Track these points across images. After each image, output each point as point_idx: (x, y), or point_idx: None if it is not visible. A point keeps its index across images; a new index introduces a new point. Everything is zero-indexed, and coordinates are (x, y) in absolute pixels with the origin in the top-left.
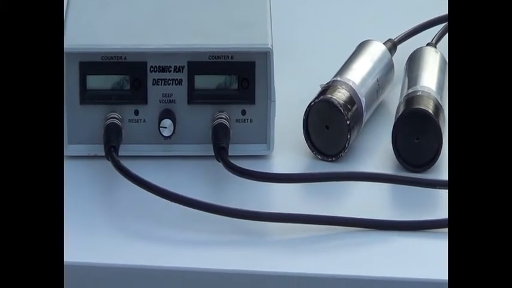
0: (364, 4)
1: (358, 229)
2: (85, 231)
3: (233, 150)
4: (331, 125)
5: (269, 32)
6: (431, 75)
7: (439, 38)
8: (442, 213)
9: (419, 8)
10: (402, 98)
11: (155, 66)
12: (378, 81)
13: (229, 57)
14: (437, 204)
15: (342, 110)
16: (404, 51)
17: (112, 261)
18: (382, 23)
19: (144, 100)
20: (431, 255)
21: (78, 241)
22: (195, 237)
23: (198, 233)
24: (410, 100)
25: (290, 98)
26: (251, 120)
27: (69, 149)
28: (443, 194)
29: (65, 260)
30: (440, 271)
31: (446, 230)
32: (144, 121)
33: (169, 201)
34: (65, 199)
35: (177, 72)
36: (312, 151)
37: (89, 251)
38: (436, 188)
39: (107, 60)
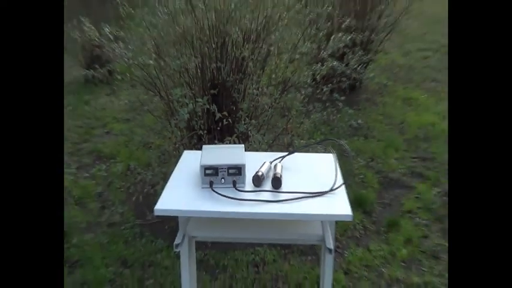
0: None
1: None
2: (202, 203)
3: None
4: (258, 181)
5: (244, 158)
6: (280, 168)
7: (282, 159)
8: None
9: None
10: (272, 174)
11: (223, 170)
12: (268, 171)
13: (236, 166)
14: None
15: (260, 176)
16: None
17: (213, 209)
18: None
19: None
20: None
21: (199, 206)
22: (224, 208)
23: (229, 206)
24: (275, 174)
25: (248, 174)
26: (241, 182)
27: (201, 187)
28: (288, 196)
29: (190, 209)
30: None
31: (295, 200)
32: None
33: (225, 197)
34: (199, 195)
35: (225, 171)
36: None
37: (203, 207)
38: (286, 193)
39: (209, 167)
